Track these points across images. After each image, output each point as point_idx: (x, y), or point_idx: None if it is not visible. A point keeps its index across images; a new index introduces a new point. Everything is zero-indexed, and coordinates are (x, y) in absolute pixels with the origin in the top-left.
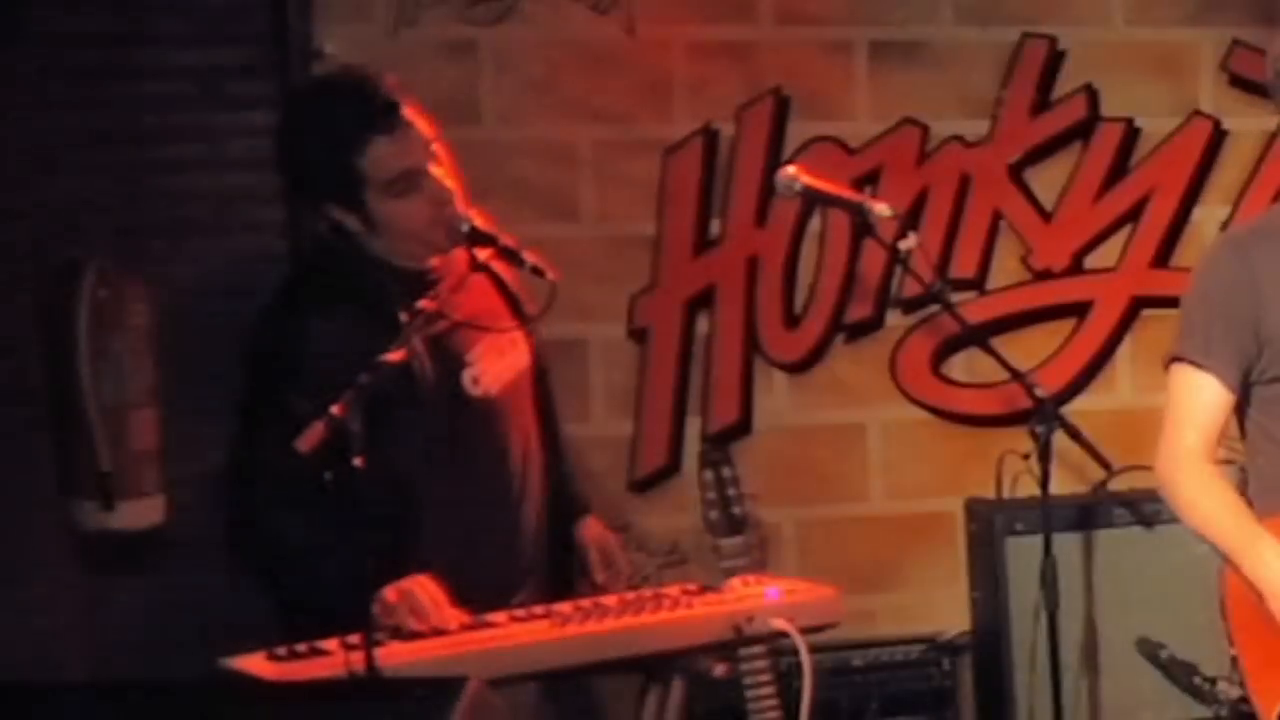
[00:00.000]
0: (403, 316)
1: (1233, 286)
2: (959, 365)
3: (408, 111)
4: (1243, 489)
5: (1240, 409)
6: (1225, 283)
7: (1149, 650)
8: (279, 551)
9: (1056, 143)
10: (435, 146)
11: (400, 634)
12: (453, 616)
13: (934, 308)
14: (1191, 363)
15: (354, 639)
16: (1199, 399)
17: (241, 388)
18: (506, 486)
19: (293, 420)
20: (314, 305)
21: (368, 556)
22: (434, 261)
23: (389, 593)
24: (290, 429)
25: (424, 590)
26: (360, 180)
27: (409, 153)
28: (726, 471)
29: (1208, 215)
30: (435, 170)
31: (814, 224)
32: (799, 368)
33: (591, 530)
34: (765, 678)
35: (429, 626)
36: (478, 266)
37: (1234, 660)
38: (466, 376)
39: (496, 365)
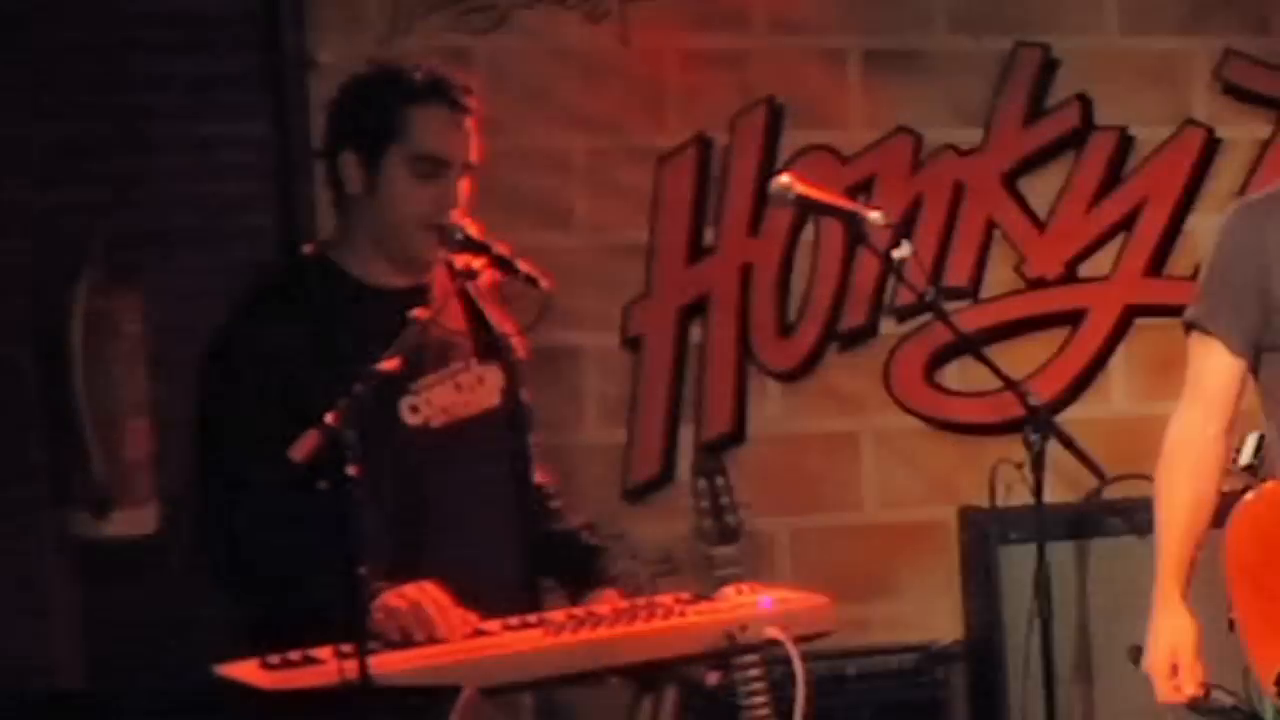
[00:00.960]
0: (355, 373)
1: (1242, 252)
2: (952, 374)
3: (471, 124)
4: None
5: (1257, 374)
6: (1235, 248)
7: (1142, 658)
8: (255, 568)
9: (1050, 151)
10: (469, 175)
11: (395, 643)
12: (462, 622)
13: (927, 316)
14: (1200, 328)
15: (347, 647)
16: (1206, 365)
17: (199, 403)
18: (448, 522)
19: (252, 434)
20: (272, 320)
21: (358, 565)
22: (412, 282)
23: (393, 599)
24: (250, 444)
25: (430, 599)
26: (396, 132)
27: (451, 144)
28: (720, 480)
29: (1201, 224)
30: (457, 182)
31: (807, 233)
32: (793, 376)
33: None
34: (758, 686)
35: (436, 637)
36: (465, 275)
37: (1232, 623)
38: (404, 404)
39: (446, 398)
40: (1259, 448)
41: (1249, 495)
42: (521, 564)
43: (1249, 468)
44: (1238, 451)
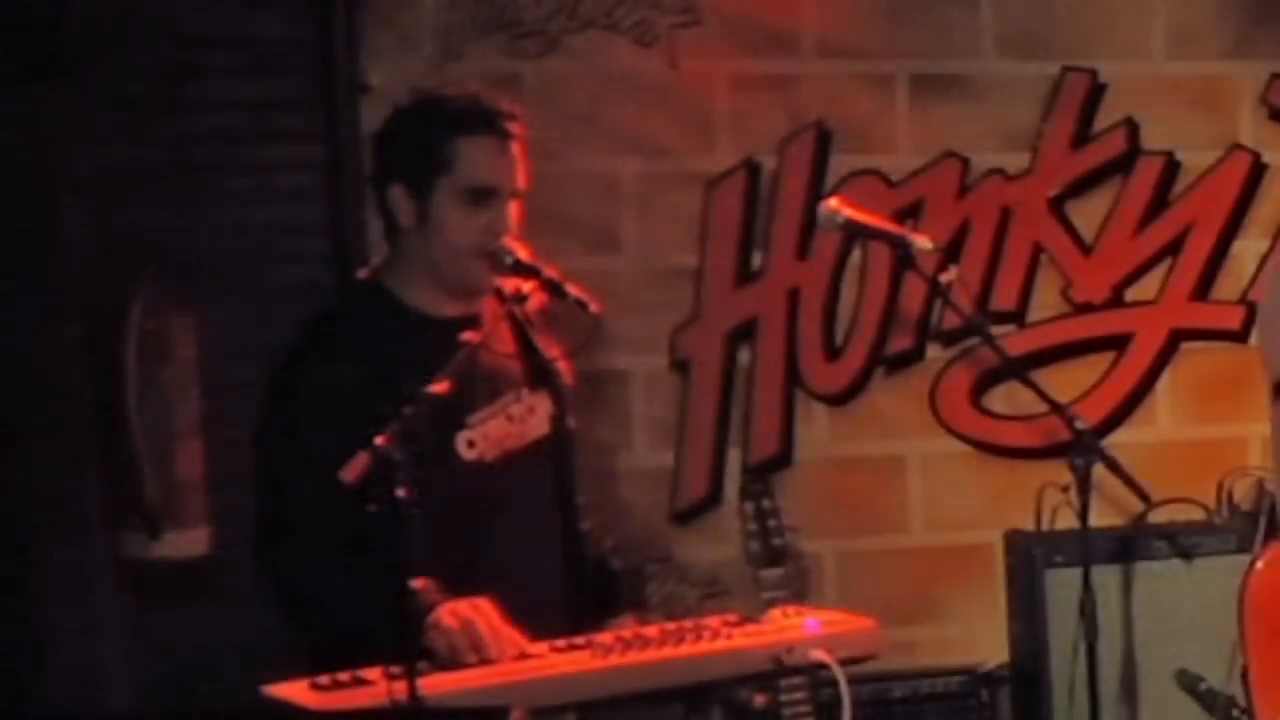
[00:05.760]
0: (406, 395)
1: None
2: (999, 398)
3: (518, 149)
4: None
5: None
6: None
7: (1188, 683)
8: (315, 596)
9: (1097, 176)
10: (518, 201)
11: (445, 663)
12: (511, 642)
13: (974, 340)
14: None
15: (396, 668)
16: None
17: (260, 434)
18: (500, 553)
19: (313, 464)
20: (329, 350)
21: (408, 586)
22: (464, 311)
23: (447, 617)
24: (312, 473)
25: (484, 618)
26: (443, 165)
27: (499, 172)
28: (767, 503)
29: (1248, 248)
30: (507, 208)
31: (855, 257)
32: (840, 400)
33: None
34: (805, 709)
35: (487, 657)
36: (516, 299)
37: (1244, 670)
38: (461, 439)
39: (500, 431)
40: None
41: (1275, 544)
42: (568, 592)
43: None
44: None
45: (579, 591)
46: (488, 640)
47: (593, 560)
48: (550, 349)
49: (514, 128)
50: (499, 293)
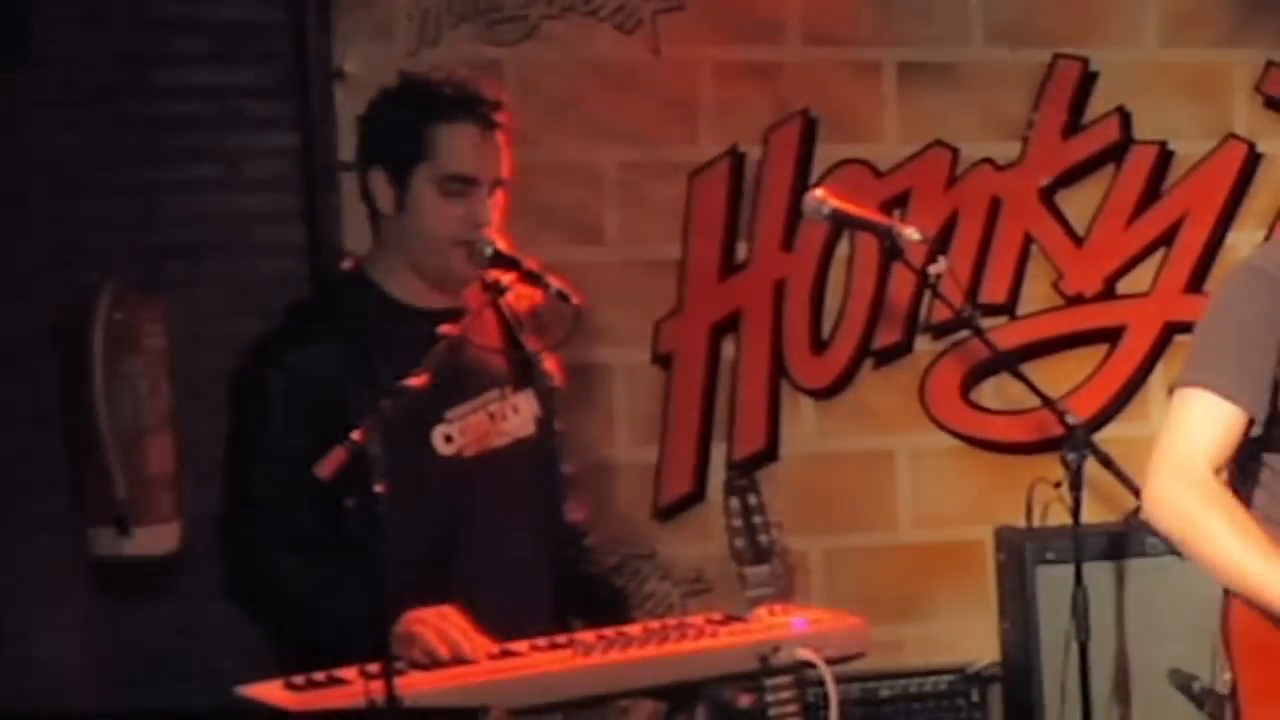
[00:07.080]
0: (383, 389)
1: (1265, 320)
2: (989, 392)
3: (502, 138)
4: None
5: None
6: (1259, 315)
7: (1181, 681)
8: (280, 591)
9: (1088, 166)
10: (502, 190)
11: (421, 663)
12: (481, 646)
13: (964, 333)
14: (1221, 393)
15: (373, 668)
16: (1224, 432)
17: (231, 423)
18: (477, 552)
19: (284, 456)
20: (306, 339)
21: (384, 586)
22: (449, 303)
23: (415, 625)
24: (281, 465)
25: (451, 622)
26: (423, 152)
27: (480, 161)
28: (752, 499)
29: (1242, 239)
30: (488, 198)
31: (842, 248)
32: (826, 394)
33: None
34: (791, 709)
35: (462, 655)
36: (495, 290)
37: (1232, 687)
38: (438, 433)
39: (480, 428)
40: None
41: None
42: (548, 595)
43: None
44: None
45: (560, 601)
46: (460, 640)
47: (596, 578)
48: (533, 342)
49: (498, 116)
50: (484, 284)
